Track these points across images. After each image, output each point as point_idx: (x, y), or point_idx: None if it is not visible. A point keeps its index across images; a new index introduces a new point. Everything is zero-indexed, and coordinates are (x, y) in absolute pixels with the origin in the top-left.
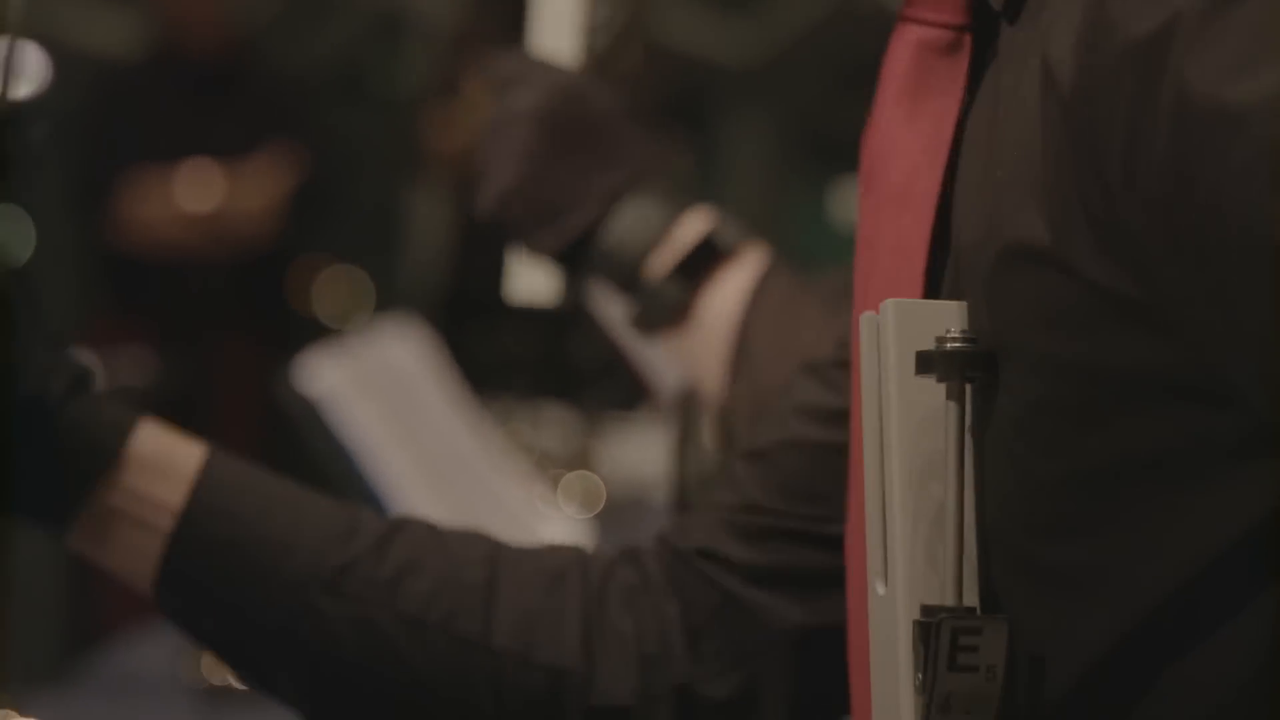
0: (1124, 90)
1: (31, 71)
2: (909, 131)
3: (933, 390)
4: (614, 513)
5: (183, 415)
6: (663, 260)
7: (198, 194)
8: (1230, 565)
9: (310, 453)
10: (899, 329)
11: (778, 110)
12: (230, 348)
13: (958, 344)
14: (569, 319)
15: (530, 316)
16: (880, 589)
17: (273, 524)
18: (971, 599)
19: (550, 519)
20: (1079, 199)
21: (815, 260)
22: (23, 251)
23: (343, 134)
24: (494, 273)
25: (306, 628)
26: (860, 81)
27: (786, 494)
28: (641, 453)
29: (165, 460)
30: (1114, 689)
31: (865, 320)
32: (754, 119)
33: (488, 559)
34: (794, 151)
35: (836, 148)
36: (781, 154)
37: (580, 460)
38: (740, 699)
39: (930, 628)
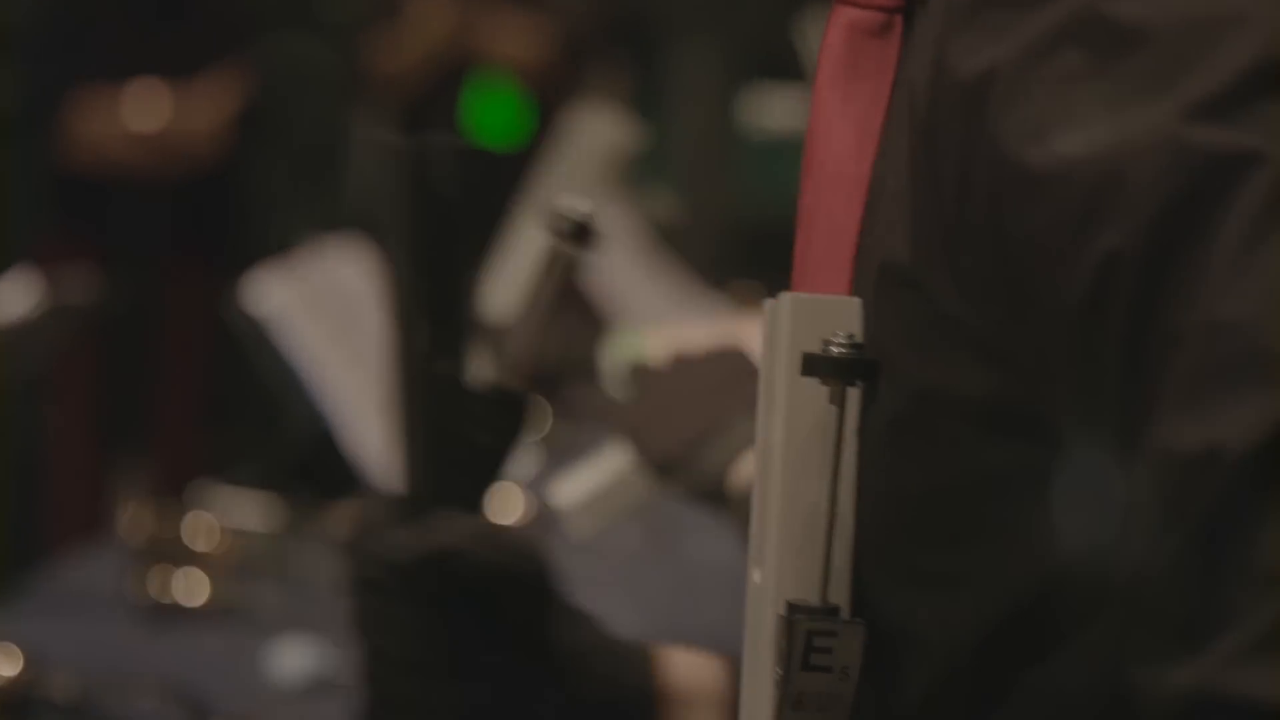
0: (956, 132)
1: None
2: (843, 115)
3: (820, 389)
4: (559, 436)
5: (130, 335)
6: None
7: (145, 114)
8: (1079, 578)
9: (257, 372)
10: (795, 323)
11: (725, 33)
12: (177, 267)
13: (842, 349)
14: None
15: None
16: (756, 577)
17: None
18: (839, 597)
19: None
20: (935, 223)
21: (761, 184)
22: None
23: (290, 55)
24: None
25: None
26: (808, 6)
27: None
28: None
29: (699, 686)
30: (971, 691)
31: (767, 305)
32: (701, 42)
33: None
34: (741, 75)
35: (784, 72)
36: (728, 77)
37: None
38: None
39: (788, 625)
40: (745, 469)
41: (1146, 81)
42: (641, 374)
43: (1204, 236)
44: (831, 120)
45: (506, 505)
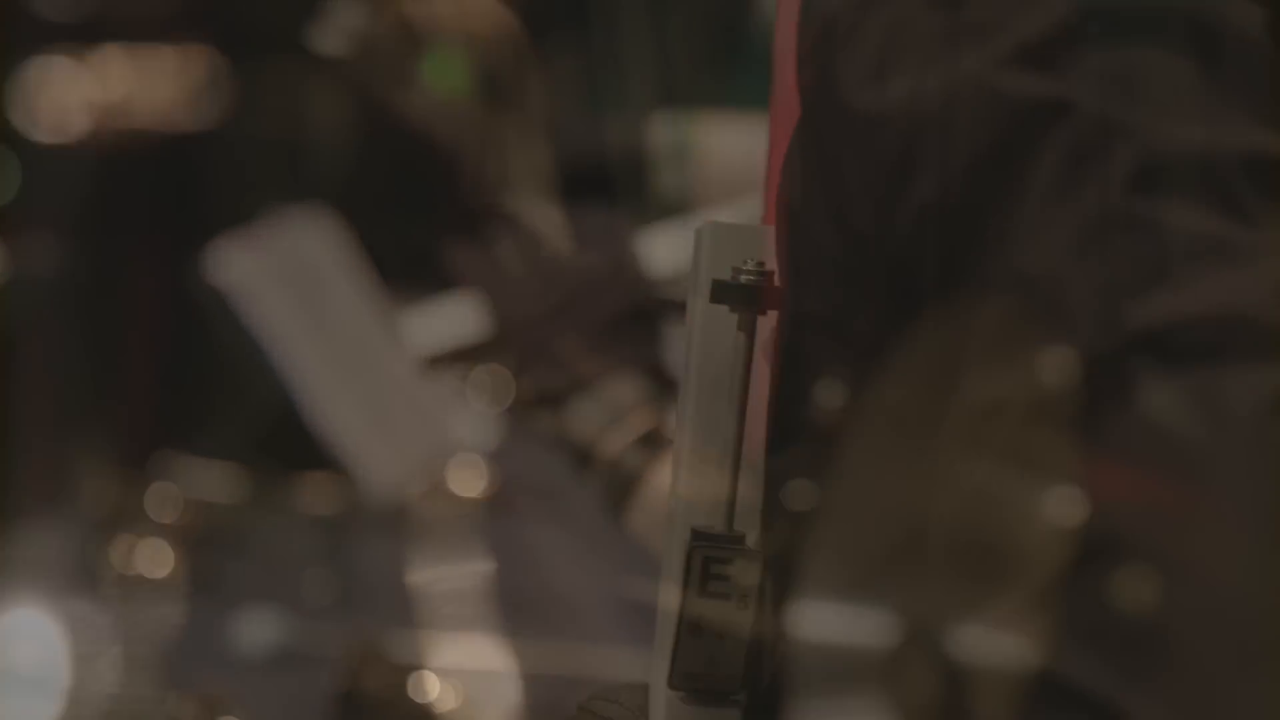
0: (812, 72)
1: None
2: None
3: (732, 317)
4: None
5: (92, 305)
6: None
7: (107, 83)
8: None
9: (221, 342)
10: (713, 251)
11: (674, 6)
12: (140, 237)
13: (751, 277)
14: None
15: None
16: (673, 504)
17: None
18: (747, 525)
19: (459, 413)
20: (809, 162)
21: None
22: None
23: (253, 25)
24: (404, 163)
25: None
26: None
27: None
28: None
29: None
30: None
31: (694, 232)
32: (650, 15)
33: None
34: (694, 48)
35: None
36: (683, 51)
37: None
38: None
39: (688, 551)
40: (614, 443)
41: (972, 29)
42: (524, 244)
43: (1013, 185)
44: (789, 52)
45: (468, 478)
